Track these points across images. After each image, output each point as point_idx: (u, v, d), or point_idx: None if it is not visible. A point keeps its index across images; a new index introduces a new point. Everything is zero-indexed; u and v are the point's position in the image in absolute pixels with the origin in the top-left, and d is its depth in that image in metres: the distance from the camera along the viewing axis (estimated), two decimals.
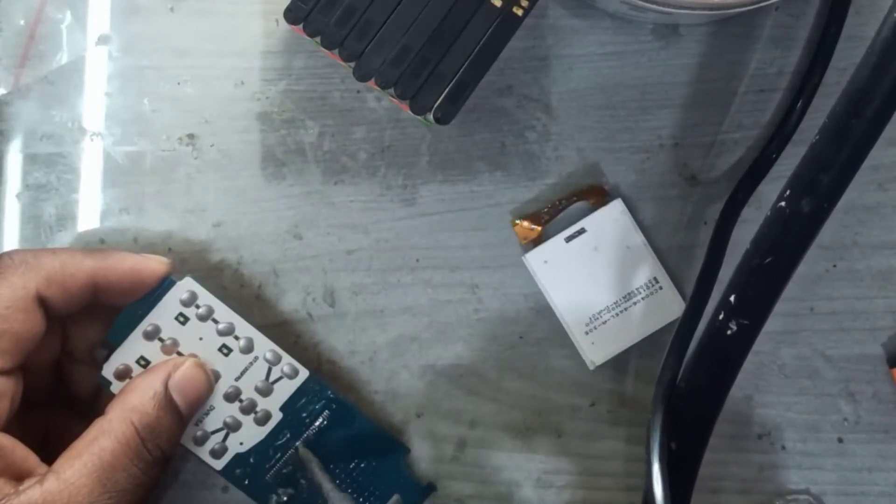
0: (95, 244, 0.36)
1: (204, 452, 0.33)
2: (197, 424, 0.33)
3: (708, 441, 0.32)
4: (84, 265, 0.31)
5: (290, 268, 0.36)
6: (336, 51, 0.32)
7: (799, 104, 0.36)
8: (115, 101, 0.37)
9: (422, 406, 0.36)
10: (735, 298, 0.30)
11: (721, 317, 0.30)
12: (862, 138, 0.27)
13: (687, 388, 0.32)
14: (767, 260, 0.29)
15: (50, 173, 0.36)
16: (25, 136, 0.36)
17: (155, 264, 0.32)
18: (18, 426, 0.30)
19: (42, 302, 0.30)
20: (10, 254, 0.30)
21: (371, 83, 0.32)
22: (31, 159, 0.36)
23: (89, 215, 0.36)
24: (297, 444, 0.33)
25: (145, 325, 0.32)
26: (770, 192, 0.36)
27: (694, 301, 0.34)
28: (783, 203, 0.29)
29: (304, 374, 0.33)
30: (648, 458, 0.31)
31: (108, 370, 0.32)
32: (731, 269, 0.31)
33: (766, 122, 0.37)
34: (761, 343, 0.31)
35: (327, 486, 0.33)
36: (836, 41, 0.36)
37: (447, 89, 0.32)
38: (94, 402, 0.33)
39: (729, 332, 0.30)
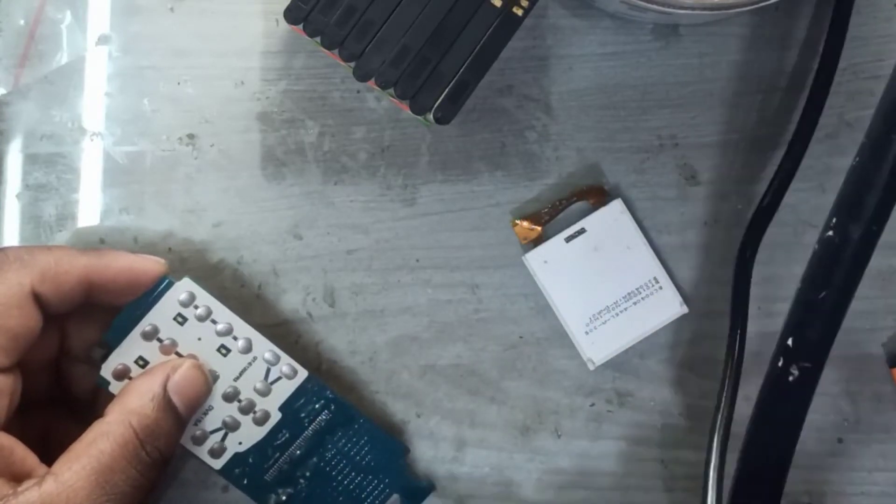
0: (95, 244, 0.36)
1: (203, 452, 0.33)
2: (196, 424, 0.33)
3: (780, 499, 0.30)
4: (78, 263, 0.31)
5: (290, 268, 0.36)
6: (336, 51, 0.32)
7: (809, 111, 0.36)
8: (115, 101, 0.37)
9: (422, 406, 0.36)
10: (793, 341, 0.28)
11: (780, 363, 0.29)
12: None
13: (753, 450, 0.30)
14: (822, 294, 0.28)
15: (50, 173, 0.36)
16: (25, 136, 0.36)
17: (151, 264, 0.32)
18: (18, 426, 0.30)
19: (37, 299, 0.30)
20: (4, 250, 0.30)
21: (371, 83, 0.32)
22: (31, 159, 0.36)
23: (89, 215, 0.36)
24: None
25: (144, 325, 0.32)
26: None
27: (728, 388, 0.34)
28: (831, 232, 0.28)
29: (302, 374, 0.33)
30: None
31: (107, 370, 0.32)
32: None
33: (767, 122, 0.37)
34: (762, 343, 0.31)
35: None
36: (841, 44, 0.36)
37: (447, 89, 0.32)
38: (94, 401, 0.33)
39: (791, 377, 0.29)
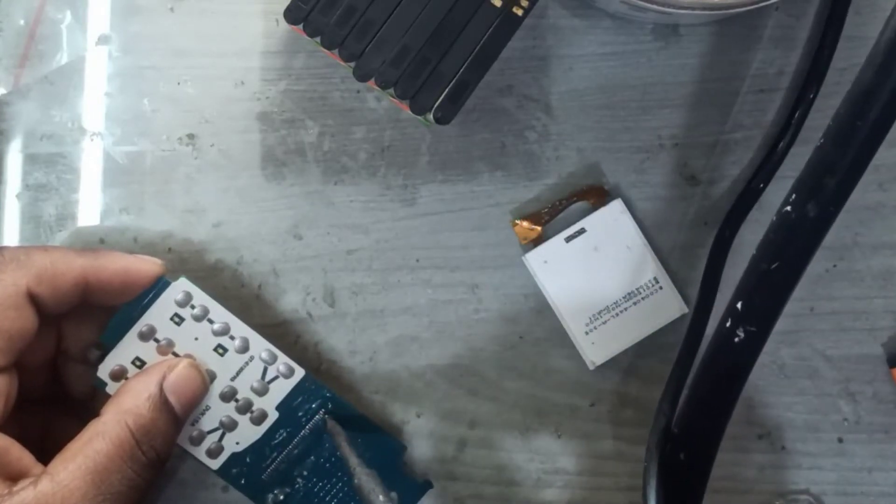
0: (95, 244, 0.36)
1: (200, 452, 0.33)
2: (193, 424, 0.33)
3: (717, 452, 0.31)
4: (75, 264, 0.31)
5: (290, 268, 0.36)
6: (336, 51, 0.32)
7: (798, 109, 0.36)
8: (115, 101, 0.37)
9: (422, 406, 0.36)
10: (742, 305, 0.29)
11: (728, 324, 0.30)
12: (866, 141, 0.27)
13: (694, 398, 0.32)
14: (774, 265, 0.28)
15: (50, 173, 0.36)
16: (25, 136, 0.36)
17: (147, 265, 0.32)
18: (15, 425, 0.29)
19: (33, 299, 0.30)
20: (1, 251, 0.30)
21: (371, 83, 0.32)
22: (31, 159, 0.36)
23: (89, 215, 0.36)
24: (325, 415, 0.33)
25: (140, 325, 0.32)
26: (772, 193, 0.36)
27: (689, 338, 0.35)
28: (789, 208, 0.28)
29: (300, 373, 0.33)
30: None
31: (104, 371, 0.32)
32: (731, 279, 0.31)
33: (767, 122, 0.37)
34: None
35: (353, 460, 0.32)
36: (836, 41, 0.36)
37: (447, 89, 0.32)
38: (92, 400, 0.33)
39: (736, 339, 0.29)
